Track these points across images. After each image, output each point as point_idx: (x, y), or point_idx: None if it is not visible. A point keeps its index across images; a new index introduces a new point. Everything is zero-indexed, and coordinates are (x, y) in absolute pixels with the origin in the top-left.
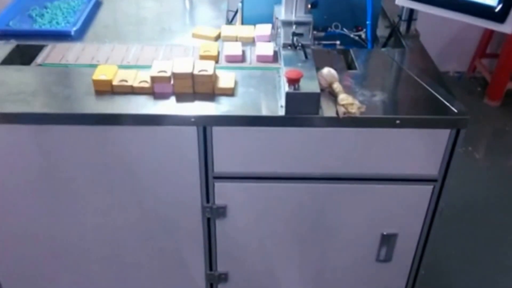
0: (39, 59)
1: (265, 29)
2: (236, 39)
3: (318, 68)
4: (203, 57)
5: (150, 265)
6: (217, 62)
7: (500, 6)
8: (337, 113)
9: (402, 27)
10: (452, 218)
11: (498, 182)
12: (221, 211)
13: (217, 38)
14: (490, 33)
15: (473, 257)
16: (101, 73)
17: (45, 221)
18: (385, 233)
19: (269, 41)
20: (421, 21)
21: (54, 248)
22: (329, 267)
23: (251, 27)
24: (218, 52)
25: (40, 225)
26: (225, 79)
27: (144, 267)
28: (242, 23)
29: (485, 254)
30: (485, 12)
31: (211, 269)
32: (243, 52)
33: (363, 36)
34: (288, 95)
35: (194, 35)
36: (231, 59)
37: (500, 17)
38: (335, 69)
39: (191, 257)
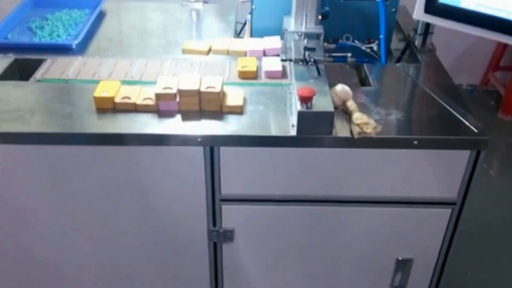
0: (38, 74)
1: (274, 42)
2: (227, 52)
3: (331, 85)
4: (241, 73)
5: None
6: (256, 78)
7: None
8: (351, 132)
9: (418, 41)
10: (466, 238)
11: None
12: (228, 235)
13: (208, 52)
14: (504, 46)
15: (490, 281)
16: (103, 90)
17: (44, 242)
18: (400, 258)
19: (279, 55)
20: None
21: (55, 267)
22: None
23: (254, 40)
24: (257, 68)
25: (39, 245)
26: (234, 96)
27: None
28: (251, 35)
29: (502, 277)
30: (510, 28)
31: None
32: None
33: (375, 48)
34: (300, 114)
35: (184, 51)
36: (271, 75)
37: None
38: (349, 86)
39: (196, 280)
